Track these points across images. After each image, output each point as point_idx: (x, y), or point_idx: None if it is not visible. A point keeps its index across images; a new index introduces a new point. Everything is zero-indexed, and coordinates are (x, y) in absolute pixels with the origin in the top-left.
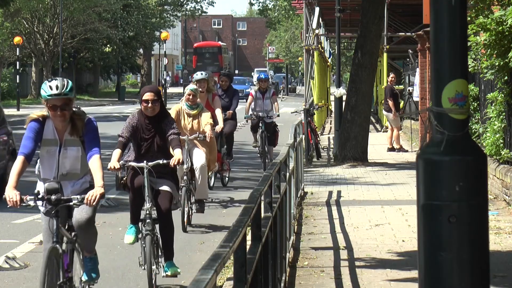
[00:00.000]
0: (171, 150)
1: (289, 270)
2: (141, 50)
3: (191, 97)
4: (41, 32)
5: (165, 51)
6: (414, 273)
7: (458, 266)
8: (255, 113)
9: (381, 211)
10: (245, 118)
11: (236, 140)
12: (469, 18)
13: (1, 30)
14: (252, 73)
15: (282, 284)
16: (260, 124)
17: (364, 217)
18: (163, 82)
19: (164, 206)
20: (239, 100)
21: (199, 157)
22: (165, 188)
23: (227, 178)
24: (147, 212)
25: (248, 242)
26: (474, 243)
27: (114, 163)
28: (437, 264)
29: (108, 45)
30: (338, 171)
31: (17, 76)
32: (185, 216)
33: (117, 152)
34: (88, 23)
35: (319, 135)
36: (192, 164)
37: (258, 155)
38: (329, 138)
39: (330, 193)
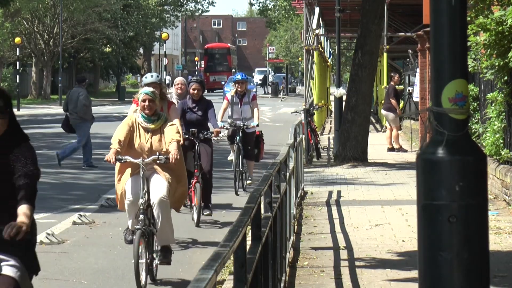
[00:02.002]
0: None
1: (289, 270)
2: (141, 50)
3: (147, 103)
4: (41, 32)
5: (165, 51)
6: (414, 273)
7: (458, 266)
8: (231, 121)
9: (381, 211)
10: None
11: None
12: (469, 18)
13: (1, 30)
14: (253, 73)
15: (282, 284)
16: (237, 135)
17: (364, 217)
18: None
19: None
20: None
21: (159, 187)
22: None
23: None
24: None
25: (248, 242)
26: (474, 243)
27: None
28: (437, 264)
29: (108, 45)
30: (338, 171)
31: (17, 76)
32: (143, 272)
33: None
34: (88, 23)
35: (319, 135)
36: (149, 198)
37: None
38: (329, 138)
39: (330, 193)
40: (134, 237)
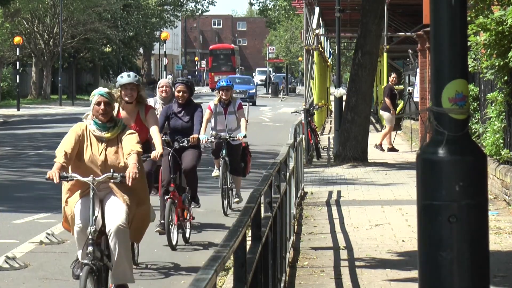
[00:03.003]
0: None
1: (289, 270)
2: (141, 50)
3: (102, 107)
4: (41, 32)
5: (165, 51)
6: (414, 273)
7: (458, 266)
8: (215, 133)
9: (381, 211)
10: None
11: None
12: (469, 18)
13: (1, 30)
14: (253, 74)
15: (282, 284)
16: (223, 149)
17: (364, 217)
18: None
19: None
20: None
21: (115, 212)
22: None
23: (188, 232)
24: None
25: (248, 242)
26: (474, 243)
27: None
28: (437, 264)
29: (108, 45)
30: (338, 171)
31: (17, 76)
32: None
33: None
34: (88, 23)
35: (319, 135)
36: (104, 225)
37: (219, 188)
38: (329, 138)
39: (330, 193)
40: (81, 273)
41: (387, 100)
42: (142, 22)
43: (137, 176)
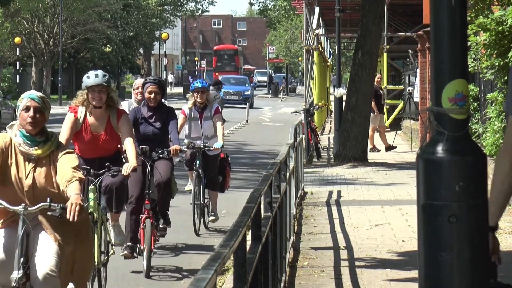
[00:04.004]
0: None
1: (289, 270)
2: (141, 50)
3: (31, 114)
4: (41, 32)
5: (165, 51)
6: (414, 273)
7: (458, 266)
8: (188, 141)
9: (381, 211)
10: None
11: (235, 140)
12: (469, 18)
13: (1, 30)
14: (252, 75)
15: (282, 284)
16: (197, 159)
17: (364, 217)
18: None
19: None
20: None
21: (44, 255)
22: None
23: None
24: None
25: (248, 242)
26: (474, 243)
27: None
28: (437, 264)
29: (108, 45)
30: (338, 171)
31: (17, 76)
32: None
33: None
34: (88, 23)
35: (319, 135)
36: (29, 268)
37: (191, 204)
38: (329, 138)
39: (330, 193)
40: None
41: (372, 103)
42: (142, 22)
43: (79, 211)
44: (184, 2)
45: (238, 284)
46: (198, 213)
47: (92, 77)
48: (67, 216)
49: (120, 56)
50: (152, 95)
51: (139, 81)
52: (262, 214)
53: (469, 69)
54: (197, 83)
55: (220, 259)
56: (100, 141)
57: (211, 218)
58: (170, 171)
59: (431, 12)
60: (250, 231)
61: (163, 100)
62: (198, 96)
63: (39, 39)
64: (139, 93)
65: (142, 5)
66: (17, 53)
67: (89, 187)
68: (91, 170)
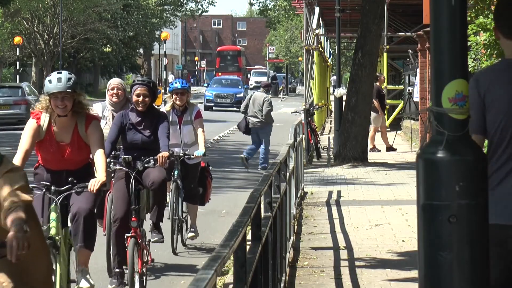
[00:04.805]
0: None
1: (289, 270)
2: (141, 50)
3: None
4: (41, 32)
5: (165, 51)
6: (414, 273)
7: (458, 266)
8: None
9: (381, 211)
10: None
11: (235, 141)
12: (469, 18)
13: (1, 30)
14: (248, 75)
15: (282, 284)
16: (175, 169)
17: (364, 217)
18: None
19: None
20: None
21: None
22: None
23: (144, 279)
24: None
25: (248, 242)
26: (474, 243)
27: None
28: (437, 264)
29: (108, 45)
30: (338, 171)
31: (17, 76)
32: None
33: None
34: (88, 23)
35: (319, 135)
36: None
37: (168, 219)
38: (329, 138)
39: (330, 193)
40: None
41: (376, 102)
42: (142, 22)
43: (25, 247)
44: (184, 2)
45: (238, 284)
46: (177, 229)
47: (54, 82)
48: (8, 256)
49: (120, 56)
50: (141, 98)
51: (114, 80)
52: (262, 214)
53: (469, 69)
54: (176, 83)
55: (220, 259)
56: (65, 152)
57: (190, 234)
58: (164, 173)
59: (431, 12)
60: (250, 231)
61: (160, 104)
62: (178, 98)
63: (39, 39)
64: (114, 95)
65: (142, 5)
66: (17, 53)
67: (51, 207)
68: (52, 187)
